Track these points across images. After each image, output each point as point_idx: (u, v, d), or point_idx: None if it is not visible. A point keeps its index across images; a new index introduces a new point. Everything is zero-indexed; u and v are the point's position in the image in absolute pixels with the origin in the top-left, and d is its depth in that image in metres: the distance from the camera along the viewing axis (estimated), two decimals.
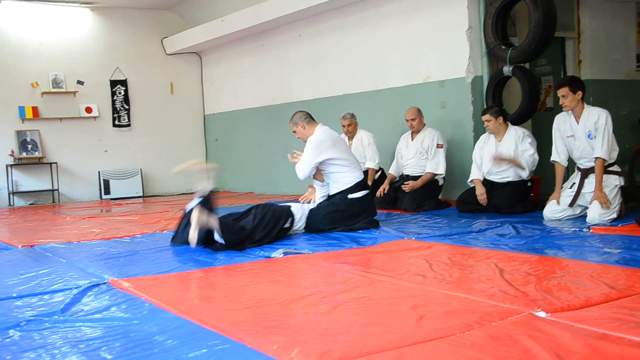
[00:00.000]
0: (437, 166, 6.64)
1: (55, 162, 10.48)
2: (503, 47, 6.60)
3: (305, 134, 5.35)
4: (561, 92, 5.19)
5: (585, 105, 5.24)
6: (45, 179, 10.47)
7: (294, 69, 9.54)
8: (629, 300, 2.72)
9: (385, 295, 3.04)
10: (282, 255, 4.18)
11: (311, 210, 5.23)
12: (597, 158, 5.09)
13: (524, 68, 6.64)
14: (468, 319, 2.51)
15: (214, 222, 4.41)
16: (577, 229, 4.79)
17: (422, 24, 7.39)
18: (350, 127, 7.21)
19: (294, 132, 5.44)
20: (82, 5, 10.64)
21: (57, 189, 10.52)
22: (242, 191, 10.74)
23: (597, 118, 5.12)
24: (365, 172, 7.24)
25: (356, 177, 5.29)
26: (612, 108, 7.22)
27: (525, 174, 5.96)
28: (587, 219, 5.04)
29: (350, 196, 5.25)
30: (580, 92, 5.16)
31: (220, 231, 4.42)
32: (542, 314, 2.54)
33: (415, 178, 6.69)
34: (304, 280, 3.58)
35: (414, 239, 4.71)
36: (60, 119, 10.58)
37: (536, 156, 5.93)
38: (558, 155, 5.43)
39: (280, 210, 4.90)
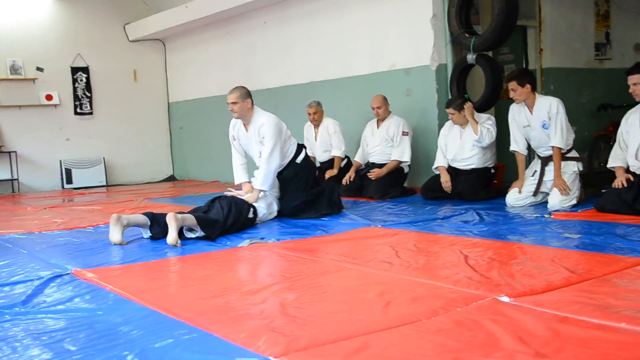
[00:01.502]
0: (402, 154, 6.68)
1: (15, 151, 10.24)
2: (467, 35, 6.65)
3: (246, 113, 5.34)
4: (510, 86, 5.29)
5: (537, 95, 5.33)
6: (4, 168, 10.22)
7: (260, 57, 9.47)
8: (588, 284, 2.79)
9: (352, 283, 3.06)
10: (248, 244, 4.16)
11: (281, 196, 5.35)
12: (553, 147, 5.19)
13: (487, 56, 6.71)
14: (433, 304, 2.55)
15: (190, 220, 4.36)
16: (539, 215, 4.88)
17: (389, 11, 7.40)
18: (316, 115, 7.20)
19: (235, 103, 5.26)
20: None
21: (17, 179, 10.29)
22: (207, 180, 10.66)
23: (549, 107, 5.21)
24: (331, 160, 7.28)
25: (293, 144, 5.54)
26: (572, 96, 7.37)
27: (484, 143, 5.99)
28: (548, 205, 5.14)
29: (297, 161, 5.49)
30: (528, 85, 5.24)
31: (201, 227, 4.39)
32: (505, 299, 2.59)
33: (381, 166, 6.73)
34: (270, 269, 3.58)
35: (380, 226, 4.74)
36: (20, 106, 10.32)
37: (493, 132, 5.95)
38: (517, 145, 5.52)
39: (242, 201, 4.89)
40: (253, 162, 5.58)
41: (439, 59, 6.94)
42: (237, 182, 5.60)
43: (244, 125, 5.43)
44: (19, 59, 10.33)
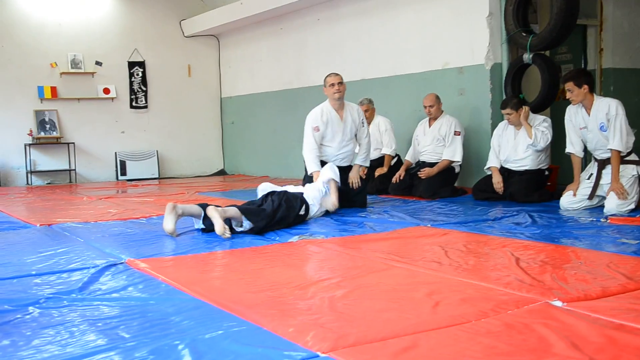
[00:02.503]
0: (454, 153, 6.61)
1: (73, 142, 10.56)
2: (524, 34, 6.53)
3: (343, 97, 5.80)
4: (567, 86, 5.14)
5: (595, 96, 5.18)
6: (62, 158, 10.55)
7: (312, 54, 9.51)
8: None
9: (400, 281, 3.04)
10: (297, 240, 4.19)
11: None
12: (611, 149, 5.04)
13: (544, 56, 6.57)
14: (484, 306, 2.51)
15: (232, 211, 4.42)
16: (594, 219, 4.75)
17: (442, 9, 7.32)
18: (368, 113, 7.18)
19: (341, 83, 5.72)
20: None
21: (74, 169, 10.60)
22: (257, 175, 10.76)
23: (607, 109, 5.06)
24: (382, 158, 7.25)
25: None
26: (633, 97, 7.15)
27: (534, 146, 5.87)
28: (605, 210, 5.00)
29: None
30: (586, 86, 5.09)
31: (245, 216, 4.43)
32: (558, 303, 2.53)
33: (432, 165, 6.67)
34: (319, 265, 3.59)
35: (429, 225, 4.70)
36: (79, 99, 10.64)
37: (548, 135, 5.83)
38: (572, 147, 5.38)
39: (293, 198, 4.92)
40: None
41: (494, 58, 6.83)
42: (311, 170, 5.69)
43: (337, 112, 5.76)
44: (80, 53, 10.64)
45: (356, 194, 5.80)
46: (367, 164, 5.96)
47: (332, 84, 5.69)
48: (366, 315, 2.46)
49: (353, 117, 5.82)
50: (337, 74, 5.80)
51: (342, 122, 5.78)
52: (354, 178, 5.78)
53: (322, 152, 5.81)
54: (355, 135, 5.92)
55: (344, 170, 5.78)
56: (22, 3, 10.26)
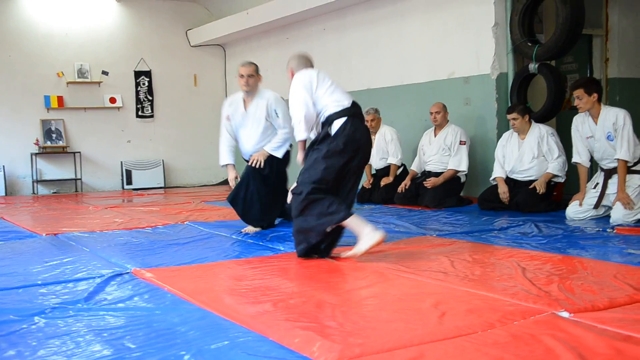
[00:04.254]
0: (459, 163, 6.60)
1: (79, 152, 10.60)
2: (529, 44, 6.53)
3: (256, 89, 5.35)
4: (576, 93, 5.12)
5: (603, 105, 5.17)
6: (68, 168, 10.59)
7: (318, 63, 9.39)
8: None
9: (407, 292, 3.03)
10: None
11: None
12: (618, 159, 5.02)
13: (550, 65, 6.56)
14: (490, 317, 2.50)
15: None
16: (601, 229, 4.73)
17: (448, 19, 7.34)
18: (374, 122, 7.18)
19: (251, 76, 5.21)
20: None
21: (80, 178, 10.64)
22: None
23: (615, 119, 5.05)
24: (387, 168, 7.25)
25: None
26: (639, 107, 7.13)
27: (561, 179, 5.90)
28: (611, 220, 4.98)
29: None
30: (595, 94, 5.09)
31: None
32: (565, 314, 2.52)
33: (437, 174, 6.66)
34: (325, 275, 3.58)
35: (435, 235, 4.69)
36: (85, 108, 10.69)
37: (563, 158, 5.86)
38: (579, 157, 5.36)
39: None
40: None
41: (499, 68, 6.84)
42: (223, 162, 5.39)
43: (244, 102, 5.30)
44: (86, 62, 10.70)
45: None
46: (278, 154, 5.24)
47: (242, 75, 5.17)
48: (372, 325, 2.46)
49: (260, 108, 5.20)
50: (250, 64, 5.22)
51: (245, 112, 5.25)
52: (255, 156, 5.18)
53: (240, 146, 5.40)
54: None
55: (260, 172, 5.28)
56: (30, 13, 10.34)
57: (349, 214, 3.76)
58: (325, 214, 3.76)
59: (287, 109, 4.70)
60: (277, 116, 5.25)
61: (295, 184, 4.06)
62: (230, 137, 5.39)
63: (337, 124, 3.94)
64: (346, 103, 4.02)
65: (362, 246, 3.72)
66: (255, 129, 5.26)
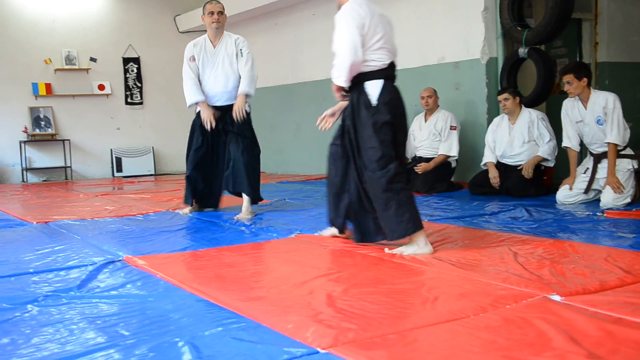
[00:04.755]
0: (450, 148, 6.61)
1: (68, 139, 10.53)
2: (519, 28, 6.53)
3: (223, 28, 5.28)
4: (566, 78, 5.14)
5: (592, 90, 5.19)
6: (58, 155, 10.52)
7: (307, 49, 9.49)
8: None
9: (399, 277, 3.05)
10: (295, 234, 4.20)
11: None
12: (608, 143, 5.05)
13: (539, 50, 6.57)
14: (482, 301, 2.52)
15: None
16: (591, 213, 4.77)
17: (437, 4, 7.32)
18: None
19: (221, 13, 5.17)
20: None
21: (70, 166, 10.58)
22: None
23: (604, 103, 5.07)
24: None
25: None
26: (628, 92, 7.16)
27: (551, 163, 5.94)
28: (601, 203, 5.01)
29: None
30: (585, 79, 5.10)
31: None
32: (556, 298, 2.54)
33: (428, 160, 6.67)
34: (318, 261, 3.59)
35: (426, 220, 4.69)
36: (73, 96, 10.60)
37: (554, 142, 5.89)
38: (569, 141, 5.38)
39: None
40: None
41: (489, 53, 6.84)
42: (194, 99, 5.18)
43: (211, 42, 5.22)
44: (74, 49, 10.60)
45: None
46: (252, 92, 5.19)
47: (212, 12, 5.11)
48: (365, 311, 2.47)
49: (228, 48, 5.16)
50: (218, 2, 5.18)
51: (214, 50, 5.17)
52: (237, 108, 5.10)
53: (204, 91, 5.21)
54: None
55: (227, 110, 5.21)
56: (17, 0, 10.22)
57: (418, 226, 3.54)
58: (399, 222, 3.54)
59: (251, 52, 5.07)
60: (241, 55, 5.18)
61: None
62: (196, 77, 5.18)
63: (372, 88, 3.65)
64: (386, 61, 3.70)
65: (407, 250, 3.51)
66: (228, 67, 5.17)
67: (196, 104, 5.22)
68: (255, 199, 5.23)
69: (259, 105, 10.55)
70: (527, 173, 5.82)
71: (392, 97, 3.70)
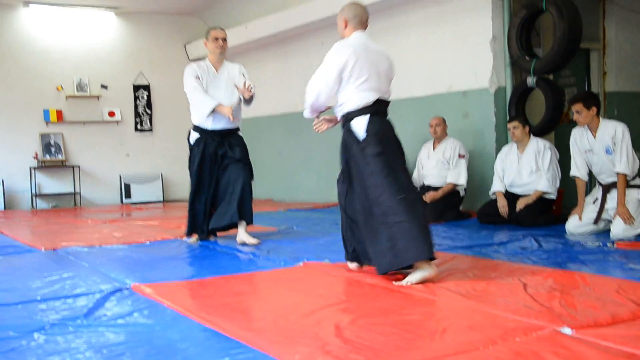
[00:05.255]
0: (458, 177, 6.60)
1: (78, 165, 10.59)
2: (527, 58, 6.56)
3: (225, 54, 5.39)
4: (575, 107, 5.13)
5: (601, 119, 5.18)
6: (67, 182, 10.58)
7: None
8: None
9: (407, 308, 3.02)
10: (303, 262, 4.18)
11: None
12: (618, 173, 5.03)
13: (548, 79, 6.59)
14: (491, 333, 2.49)
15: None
16: (601, 244, 4.72)
17: (446, 33, 7.37)
18: None
19: (225, 40, 5.39)
20: (107, 9, 10.76)
21: (79, 192, 10.63)
22: (261, 197, 10.75)
23: (613, 132, 5.05)
24: None
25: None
26: (637, 121, 7.15)
27: (552, 196, 5.91)
28: (611, 234, 4.97)
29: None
30: (594, 108, 5.10)
31: None
32: (567, 331, 2.51)
33: (436, 188, 6.66)
34: (326, 290, 3.57)
35: (434, 250, 4.66)
36: (84, 122, 10.70)
37: (552, 172, 5.86)
38: (578, 170, 5.36)
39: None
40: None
41: (497, 82, 6.86)
42: (211, 105, 5.07)
43: (213, 66, 5.30)
44: (85, 76, 10.73)
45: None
46: (251, 102, 5.17)
47: (216, 38, 5.23)
48: (373, 342, 2.44)
49: (230, 72, 5.28)
50: (222, 29, 5.38)
51: (217, 74, 5.25)
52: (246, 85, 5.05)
53: (196, 119, 5.25)
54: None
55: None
56: (30, 27, 10.37)
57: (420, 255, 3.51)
58: (386, 254, 3.54)
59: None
60: (243, 77, 5.25)
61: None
62: (203, 89, 5.17)
63: (357, 124, 3.72)
64: (371, 100, 3.76)
65: (413, 278, 3.48)
66: (230, 91, 5.21)
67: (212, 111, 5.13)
68: (251, 222, 5.29)
69: (268, 132, 10.61)
70: (519, 205, 5.80)
71: (379, 128, 3.75)
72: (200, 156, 5.25)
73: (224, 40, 5.32)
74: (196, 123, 5.29)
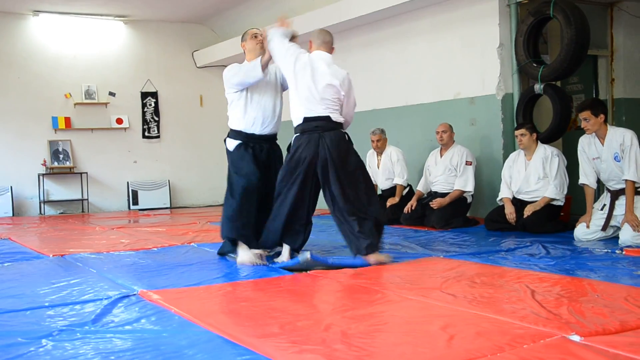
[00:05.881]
0: (465, 183, 6.59)
1: (86, 172, 10.64)
2: (534, 64, 6.56)
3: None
4: (583, 115, 5.11)
5: (609, 126, 5.17)
6: (75, 188, 10.62)
7: None
8: None
9: (414, 314, 3.02)
10: (309, 257, 4.15)
11: None
12: (626, 180, 5.01)
13: (555, 86, 6.58)
14: (499, 340, 2.48)
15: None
16: (609, 250, 4.70)
17: (454, 40, 7.38)
18: (380, 143, 7.20)
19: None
20: (116, 18, 10.82)
21: (87, 199, 10.66)
22: None
23: (622, 139, 5.04)
24: (393, 188, 7.24)
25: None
26: None
27: (560, 202, 5.89)
28: (620, 241, 4.95)
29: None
30: (602, 116, 5.08)
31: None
32: (575, 338, 2.50)
33: (444, 195, 6.65)
34: (333, 297, 3.57)
35: (442, 256, 4.67)
36: (92, 129, 10.74)
37: (560, 179, 5.84)
38: (586, 178, 5.34)
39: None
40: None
41: (505, 89, 6.86)
42: (257, 61, 4.69)
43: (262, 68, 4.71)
44: (94, 84, 10.78)
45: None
46: None
47: (255, 35, 4.89)
48: (380, 348, 2.44)
49: (271, 74, 4.87)
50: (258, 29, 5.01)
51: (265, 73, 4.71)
52: None
53: (251, 119, 4.74)
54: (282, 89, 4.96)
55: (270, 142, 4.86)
56: (40, 35, 10.43)
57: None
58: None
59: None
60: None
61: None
62: None
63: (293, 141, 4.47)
64: (299, 118, 4.44)
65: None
66: (274, 93, 4.85)
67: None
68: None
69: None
70: (527, 212, 5.79)
71: (296, 148, 4.44)
72: (253, 158, 4.69)
73: (263, 37, 4.92)
74: (239, 127, 4.79)
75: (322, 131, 4.39)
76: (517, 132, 6.05)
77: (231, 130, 4.84)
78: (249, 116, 4.75)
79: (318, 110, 4.41)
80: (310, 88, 4.40)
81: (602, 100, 7.05)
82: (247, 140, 4.75)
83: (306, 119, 4.42)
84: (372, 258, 4.30)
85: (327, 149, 4.35)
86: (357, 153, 4.62)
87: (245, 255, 4.51)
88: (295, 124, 4.50)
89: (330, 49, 4.67)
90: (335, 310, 3.12)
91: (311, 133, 4.39)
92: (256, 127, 4.76)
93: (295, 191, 4.38)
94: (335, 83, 4.44)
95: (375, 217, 4.41)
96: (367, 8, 7.85)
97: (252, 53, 4.90)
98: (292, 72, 4.46)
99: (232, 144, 4.80)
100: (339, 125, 4.51)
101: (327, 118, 4.42)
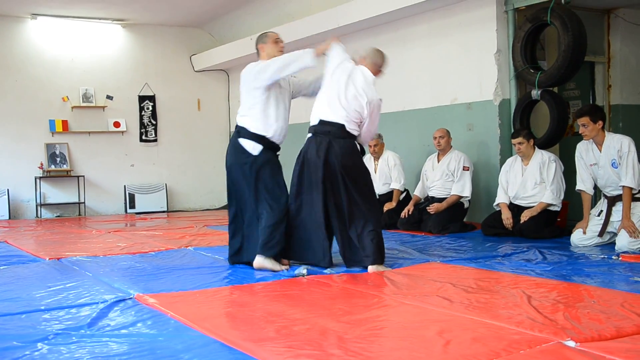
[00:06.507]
0: (462, 188, 6.60)
1: (83, 175, 10.62)
2: (532, 70, 6.57)
3: None
4: (582, 121, 5.12)
5: (607, 133, 5.18)
6: (72, 191, 10.60)
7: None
8: None
9: (411, 319, 3.02)
10: (305, 270, 4.17)
11: None
12: (623, 186, 5.02)
13: (552, 92, 6.59)
14: (495, 346, 2.48)
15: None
16: (606, 256, 4.71)
17: (451, 46, 7.39)
18: (377, 148, 7.20)
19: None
20: (114, 22, 10.83)
21: (84, 202, 10.64)
22: None
23: (619, 146, 5.05)
24: (390, 193, 7.24)
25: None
26: None
27: (557, 208, 5.89)
28: (616, 247, 4.96)
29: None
30: (600, 122, 5.10)
31: None
32: (571, 344, 2.50)
33: (441, 200, 6.65)
34: (329, 302, 3.57)
35: (439, 261, 4.67)
36: (89, 132, 10.73)
37: (557, 185, 5.85)
38: (583, 184, 5.35)
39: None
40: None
41: (502, 94, 6.87)
42: (310, 50, 4.66)
43: None
44: (91, 87, 10.77)
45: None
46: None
47: (277, 40, 4.76)
48: (376, 353, 2.44)
49: (285, 82, 4.79)
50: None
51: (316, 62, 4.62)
52: None
53: (279, 129, 4.65)
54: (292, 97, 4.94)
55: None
56: (38, 39, 10.43)
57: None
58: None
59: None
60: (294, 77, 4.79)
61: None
62: None
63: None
64: (316, 119, 4.49)
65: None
66: (288, 101, 4.81)
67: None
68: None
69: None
70: (523, 217, 5.80)
71: (305, 150, 4.62)
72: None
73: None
74: (258, 131, 4.66)
75: (332, 138, 4.38)
76: (514, 141, 6.05)
77: (251, 132, 4.66)
78: (278, 126, 4.63)
79: (336, 116, 4.41)
80: (338, 92, 4.42)
81: (600, 106, 7.07)
82: (268, 147, 4.64)
83: (322, 122, 4.45)
84: (372, 268, 4.29)
85: (337, 157, 4.35)
86: (365, 164, 4.63)
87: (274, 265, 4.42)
88: (311, 123, 4.55)
89: (376, 71, 4.69)
90: (332, 315, 3.12)
91: (321, 137, 4.41)
92: (280, 137, 4.70)
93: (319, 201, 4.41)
94: (363, 100, 4.42)
95: (375, 231, 4.37)
96: (365, 13, 7.86)
97: (269, 57, 4.73)
98: (332, 71, 4.54)
99: (256, 148, 4.63)
100: (351, 136, 4.45)
101: (342, 126, 4.40)
